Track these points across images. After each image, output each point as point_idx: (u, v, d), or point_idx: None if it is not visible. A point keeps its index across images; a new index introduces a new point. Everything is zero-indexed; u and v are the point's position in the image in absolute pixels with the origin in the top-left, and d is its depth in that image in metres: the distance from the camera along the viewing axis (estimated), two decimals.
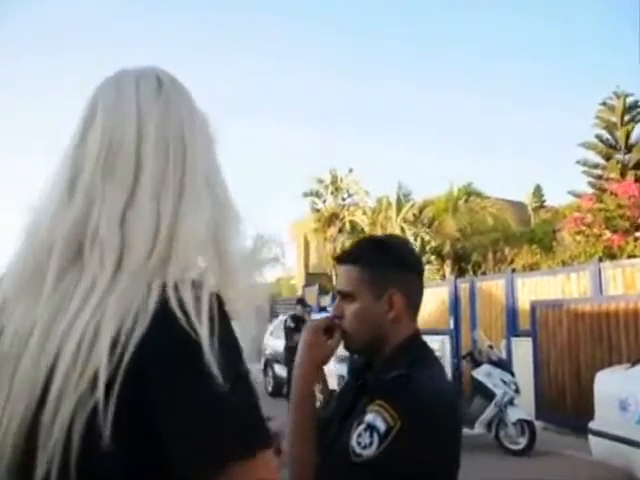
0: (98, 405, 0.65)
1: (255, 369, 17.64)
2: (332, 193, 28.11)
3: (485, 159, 53.68)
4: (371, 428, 1.07)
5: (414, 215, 24.00)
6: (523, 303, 10.12)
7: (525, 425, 6.85)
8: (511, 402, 6.95)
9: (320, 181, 28.28)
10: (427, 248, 22.22)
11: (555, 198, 44.13)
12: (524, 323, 9.84)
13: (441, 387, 1.20)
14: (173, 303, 0.69)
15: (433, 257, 22.31)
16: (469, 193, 23.63)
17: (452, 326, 11.30)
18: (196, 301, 0.70)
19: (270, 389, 12.56)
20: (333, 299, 16.62)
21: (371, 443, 1.05)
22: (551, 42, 53.42)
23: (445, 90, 50.54)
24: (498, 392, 6.94)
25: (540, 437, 6.96)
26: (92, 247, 0.74)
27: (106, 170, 0.77)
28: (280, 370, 11.95)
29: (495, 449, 6.82)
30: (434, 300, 11.78)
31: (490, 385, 7.03)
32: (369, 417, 1.09)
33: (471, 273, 18.84)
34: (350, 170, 27.72)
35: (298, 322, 9.70)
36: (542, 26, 51.01)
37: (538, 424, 7.51)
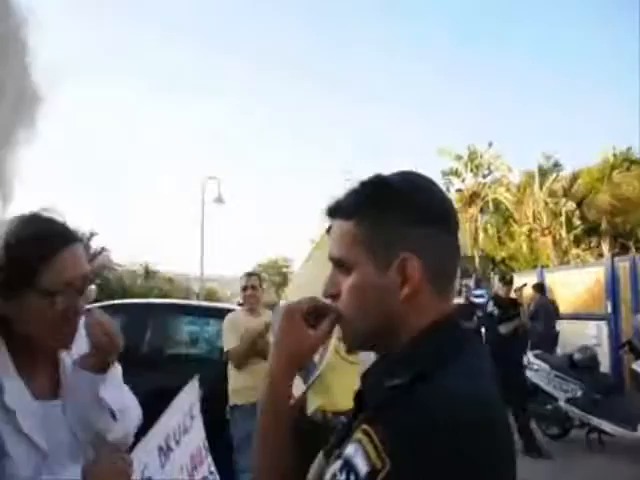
0: None
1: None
2: (472, 170, 26.84)
3: None
4: (348, 468, 0.72)
5: (563, 188, 22.23)
6: None
7: None
8: None
9: (458, 157, 27.07)
10: (578, 224, 20.51)
11: None
12: None
13: (468, 394, 0.75)
14: None
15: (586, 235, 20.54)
16: (630, 161, 21.30)
17: (610, 310, 10.29)
18: None
19: None
20: (477, 284, 15.95)
21: None
22: None
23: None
24: None
25: None
26: None
27: None
28: None
29: None
30: (588, 280, 10.79)
31: None
32: (349, 450, 0.73)
33: (634, 251, 17.02)
34: (490, 144, 26.31)
35: None
36: None
37: None
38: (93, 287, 1.32)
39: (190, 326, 6.57)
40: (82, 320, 1.30)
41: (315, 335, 0.93)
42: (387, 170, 0.89)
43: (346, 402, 1.30)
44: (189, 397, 1.63)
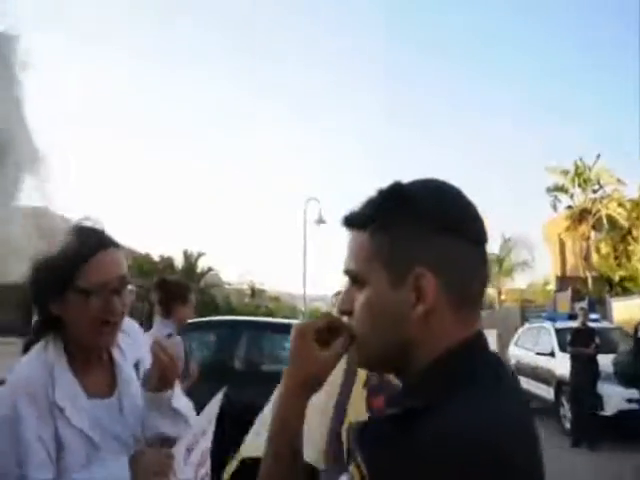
0: None
1: None
2: (580, 185, 25.31)
3: None
4: None
5: None
6: None
7: None
8: None
9: (565, 172, 25.66)
10: None
11: None
12: None
13: (458, 434, 0.66)
14: None
15: None
16: None
17: None
18: None
19: None
20: (590, 306, 14.89)
21: None
22: None
23: None
24: None
25: None
26: None
27: None
28: (527, 384, 11.04)
29: None
30: None
31: None
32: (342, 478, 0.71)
33: None
34: (598, 156, 24.71)
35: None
36: None
37: None
38: (131, 288, 1.40)
39: (285, 343, 6.71)
40: (132, 326, 1.46)
41: (327, 356, 0.86)
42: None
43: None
44: (216, 405, 1.75)
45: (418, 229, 0.77)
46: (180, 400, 1.46)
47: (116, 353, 1.46)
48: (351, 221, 0.83)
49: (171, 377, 1.37)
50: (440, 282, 0.75)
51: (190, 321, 4.20)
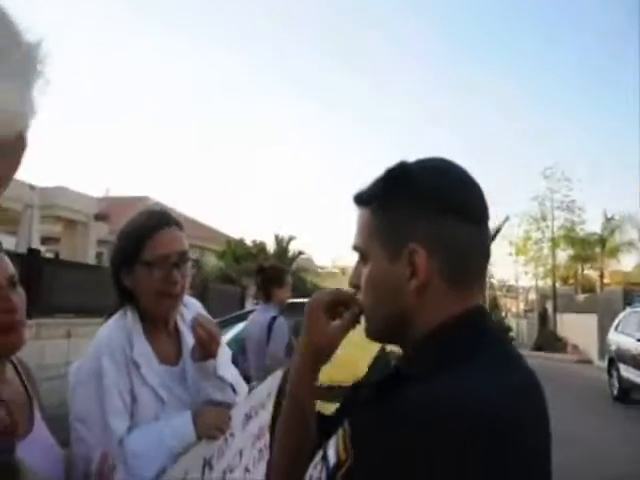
0: None
1: (597, 367, 15.98)
2: None
3: None
4: (324, 458, 0.75)
5: None
6: None
7: None
8: None
9: None
10: None
11: None
12: None
13: (460, 396, 0.67)
14: None
15: None
16: None
17: None
18: None
19: (615, 393, 10.93)
20: None
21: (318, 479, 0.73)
22: None
23: None
24: None
25: None
26: None
27: None
28: (626, 372, 10.48)
29: None
30: None
31: None
32: (331, 441, 0.75)
33: None
34: None
35: None
36: None
37: None
38: (189, 264, 1.61)
39: None
40: (194, 303, 1.71)
41: (334, 327, 0.91)
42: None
43: (343, 374, 1.31)
44: (275, 381, 1.91)
45: (415, 208, 0.80)
46: (227, 370, 1.64)
47: (181, 325, 1.66)
48: (358, 199, 0.88)
49: (210, 349, 1.52)
50: (434, 258, 0.79)
51: (290, 301, 4.37)
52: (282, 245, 24.10)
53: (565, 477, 3.59)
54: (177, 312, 1.65)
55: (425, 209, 0.80)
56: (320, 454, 0.75)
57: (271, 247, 23.68)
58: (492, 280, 35.70)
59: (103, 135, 63.16)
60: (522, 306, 40.11)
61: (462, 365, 0.73)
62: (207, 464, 1.55)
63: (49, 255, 13.50)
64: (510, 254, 29.19)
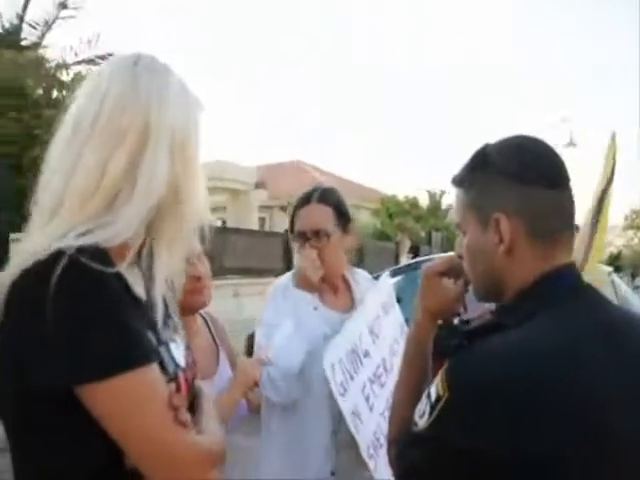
0: None
1: None
2: None
3: None
4: (428, 394, 0.87)
5: None
6: None
7: None
8: None
9: None
10: None
11: None
12: None
13: (528, 350, 0.81)
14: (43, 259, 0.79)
15: None
16: None
17: None
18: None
19: None
20: None
21: (424, 413, 0.86)
22: None
23: None
24: None
25: None
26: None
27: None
28: None
29: None
30: None
31: None
32: (434, 380, 0.87)
33: None
34: None
35: None
36: None
37: None
38: (328, 239, 1.81)
39: None
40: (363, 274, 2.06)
41: (452, 289, 1.08)
42: None
43: None
44: (385, 289, 2.08)
45: (495, 182, 0.93)
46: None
47: (353, 283, 1.95)
48: (453, 181, 1.03)
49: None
50: (515, 223, 0.91)
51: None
52: (435, 199, 23.74)
53: None
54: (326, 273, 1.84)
55: (504, 183, 0.92)
56: (426, 391, 0.89)
57: (424, 202, 23.45)
58: None
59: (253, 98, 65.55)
60: None
61: (541, 317, 0.86)
62: (372, 333, 1.86)
63: (217, 224, 14.77)
64: None
